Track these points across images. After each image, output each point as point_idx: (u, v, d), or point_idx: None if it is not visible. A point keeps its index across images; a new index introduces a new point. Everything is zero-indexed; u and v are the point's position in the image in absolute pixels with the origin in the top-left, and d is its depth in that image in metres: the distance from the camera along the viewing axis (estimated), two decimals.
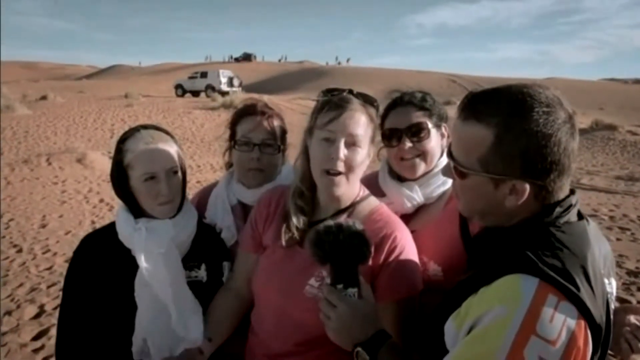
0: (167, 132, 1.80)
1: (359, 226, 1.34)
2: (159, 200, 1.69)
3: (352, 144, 1.50)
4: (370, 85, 47.70)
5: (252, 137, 1.92)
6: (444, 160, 1.81)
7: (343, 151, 1.48)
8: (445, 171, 1.26)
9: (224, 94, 31.12)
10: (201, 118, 20.57)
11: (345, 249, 1.29)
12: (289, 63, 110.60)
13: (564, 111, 1.09)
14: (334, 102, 1.51)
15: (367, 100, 1.56)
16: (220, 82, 35.33)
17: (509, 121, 1.08)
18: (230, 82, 36.10)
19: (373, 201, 1.66)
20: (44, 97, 24.85)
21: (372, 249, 1.35)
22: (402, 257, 1.52)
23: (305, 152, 1.60)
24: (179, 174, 1.75)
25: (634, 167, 14.73)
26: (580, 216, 1.18)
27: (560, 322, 0.98)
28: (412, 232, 1.66)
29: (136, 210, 1.74)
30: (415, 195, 1.78)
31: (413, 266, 1.54)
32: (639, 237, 7.18)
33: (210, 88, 34.76)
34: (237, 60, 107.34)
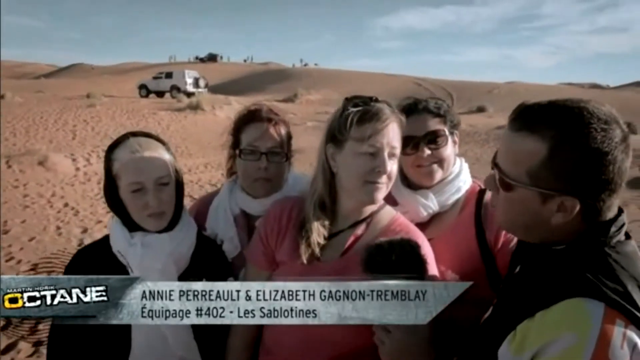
0: (158, 140, 1.70)
1: (412, 244, 1.28)
2: (147, 211, 1.60)
3: (392, 155, 1.50)
4: (337, 87, 47.85)
5: (259, 146, 1.84)
6: (457, 167, 1.80)
7: (389, 164, 1.48)
8: (489, 183, 1.21)
9: (189, 94, 30.66)
10: (167, 119, 20.17)
11: (399, 270, 1.24)
12: (254, 64, 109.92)
13: (621, 129, 1.06)
14: (372, 114, 1.47)
15: (393, 108, 1.53)
16: (185, 83, 34.75)
17: (565, 135, 1.04)
18: (196, 83, 35.56)
19: (390, 210, 1.63)
20: (1, 97, 23.89)
21: (428, 268, 1.30)
22: None
23: (327, 163, 1.55)
24: (171, 184, 1.64)
25: None
26: (627, 235, 1.14)
27: (630, 347, 0.95)
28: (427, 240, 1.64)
29: (130, 222, 1.64)
30: (431, 204, 1.75)
31: (435, 277, 1.51)
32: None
33: (176, 89, 34.16)
34: (202, 60, 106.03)
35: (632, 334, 0.96)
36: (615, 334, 0.95)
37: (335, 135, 1.53)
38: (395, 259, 1.25)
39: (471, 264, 1.59)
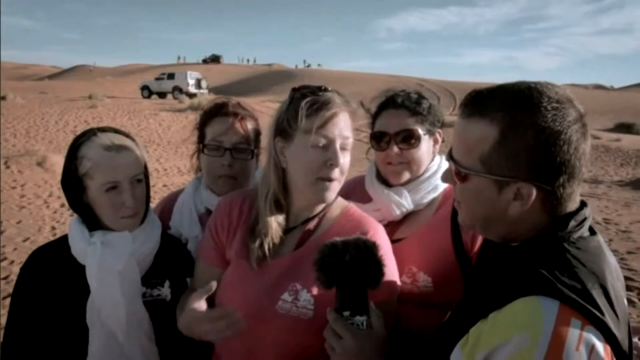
0: (127, 135, 1.60)
1: (369, 244, 1.20)
2: (123, 212, 1.51)
3: (344, 147, 1.40)
4: (339, 88, 47.35)
5: (223, 141, 1.77)
6: (435, 165, 1.72)
7: (341, 156, 1.38)
8: (446, 176, 1.14)
9: (191, 95, 30.67)
10: (168, 120, 20.14)
11: (353, 271, 1.15)
12: (257, 65, 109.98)
13: (575, 109, 1.00)
14: (321, 103, 1.38)
15: (344, 97, 1.44)
16: (187, 84, 34.77)
17: (515, 116, 0.98)
18: (198, 84, 35.57)
19: (342, 202, 1.55)
20: (3, 98, 23.86)
21: (385, 270, 1.21)
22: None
23: (277, 158, 1.45)
24: (143, 181, 1.57)
25: (596, 169, 15.05)
26: (592, 230, 1.07)
27: (587, 349, 0.87)
28: (400, 240, 1.57)
29: (92, 222, 1.55)
30: (404, 202, 1.67)
31: (391, 267, 1.42)
32: (605, 239, 7.29)
33: (178, 90, 34.19)
34: (205, 61, 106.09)
35: (589, 335, 0.89)
36: (571, 335, 0.88)
37: (284, 128, 1.43)
38: (349, 259, 1.16)
39: (445, 265, 1.52)
